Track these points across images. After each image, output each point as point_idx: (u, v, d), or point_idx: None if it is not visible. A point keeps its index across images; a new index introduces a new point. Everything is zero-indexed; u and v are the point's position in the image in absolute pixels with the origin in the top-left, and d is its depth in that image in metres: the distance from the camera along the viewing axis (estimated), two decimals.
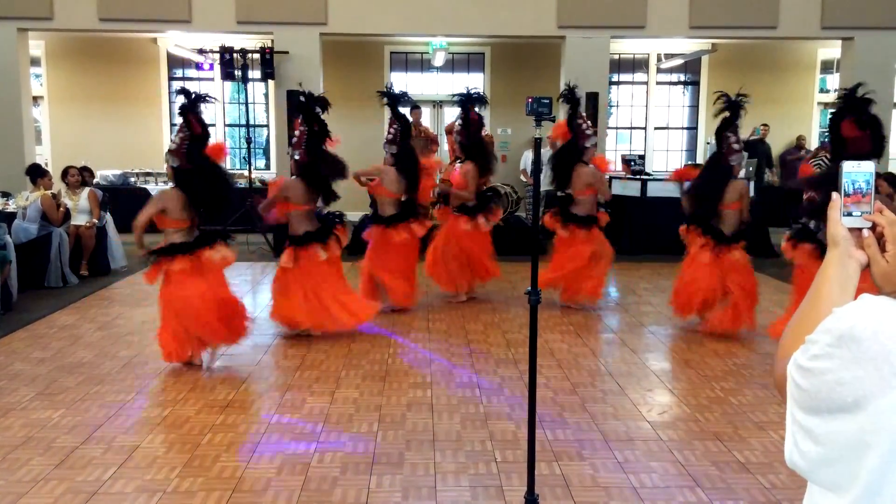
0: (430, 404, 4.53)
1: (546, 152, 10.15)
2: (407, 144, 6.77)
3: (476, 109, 7.23)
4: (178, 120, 5.38)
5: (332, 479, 3.53)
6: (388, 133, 6.75)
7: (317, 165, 5.86)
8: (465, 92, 7.25)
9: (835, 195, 1.15)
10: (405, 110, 7.29)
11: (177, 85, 13.43)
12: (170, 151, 5.21)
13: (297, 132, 5.99)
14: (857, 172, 1.15)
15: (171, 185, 5.26)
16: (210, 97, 5.40)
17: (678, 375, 5.16)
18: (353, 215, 8.54)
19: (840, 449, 0.92)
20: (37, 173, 8.28)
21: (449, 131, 11.65)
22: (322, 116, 5.95)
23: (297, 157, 5.90)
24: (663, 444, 3.95)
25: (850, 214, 1.14)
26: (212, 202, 5.22)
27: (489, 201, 7.27)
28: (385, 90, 6.91)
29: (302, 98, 5.95)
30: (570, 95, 6.86)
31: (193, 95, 5.24)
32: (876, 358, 0.89)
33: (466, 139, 7.12)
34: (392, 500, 3.34)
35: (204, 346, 5.21)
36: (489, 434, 4.07)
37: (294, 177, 5.97)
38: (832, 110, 6.23)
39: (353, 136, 11.25)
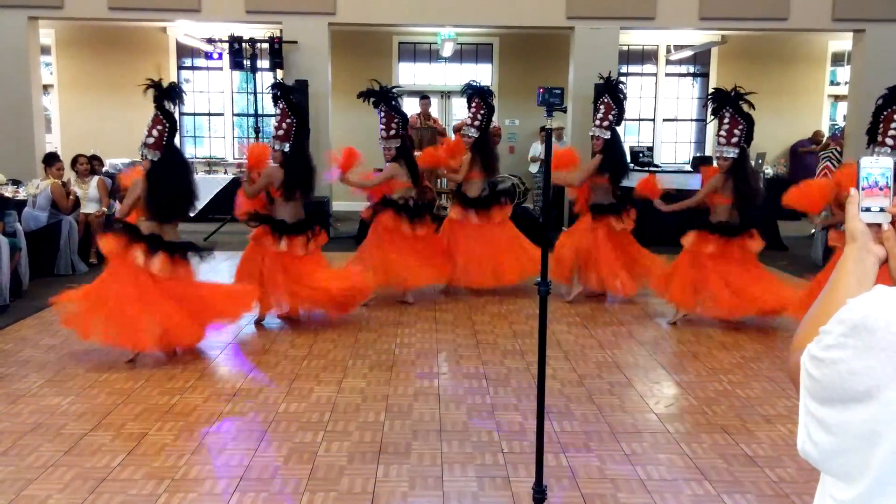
0: (437, 394, 4.54)
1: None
2: (406, 136, 6.83)
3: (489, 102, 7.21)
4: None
5: (340, 468, 3.54)
6: (390, 128, 6.62)
7: (305, 158, 5.94)
8: (474, 84, 7.25)
9: (853, 190, 1.14)
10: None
11: (186, 74, 13.47)
12: (147, 146, 5.13)
13: (283, 124, 5.88)
14: (874, 167, 1.15)
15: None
16: (181, 88, 5.47)
17: (686, 368, 5.16)
18: (354, 206, 8.52)
19: (852, 439, 0.92)
20: (48, 161, 8.31)
21: (457, 129, 11.64)
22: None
23: (286, 150, 5.85)
24: (670, 437, 3.95)
25: (868, 209, 1.13)
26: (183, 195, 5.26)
27: (499, 195, 7.27)
28: (370, 90, 6.73)
29: (277, 90, 5.97)
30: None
31: (167, 86, 5.29)
32: (888, 348, 0.89)
33: (479, 130, 7.07)
34: (399, 490, 3.35)
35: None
36: (496, 425, 4.08)
37: (277, 165, 5.91)
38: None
39: (360, 125, 11.24)
